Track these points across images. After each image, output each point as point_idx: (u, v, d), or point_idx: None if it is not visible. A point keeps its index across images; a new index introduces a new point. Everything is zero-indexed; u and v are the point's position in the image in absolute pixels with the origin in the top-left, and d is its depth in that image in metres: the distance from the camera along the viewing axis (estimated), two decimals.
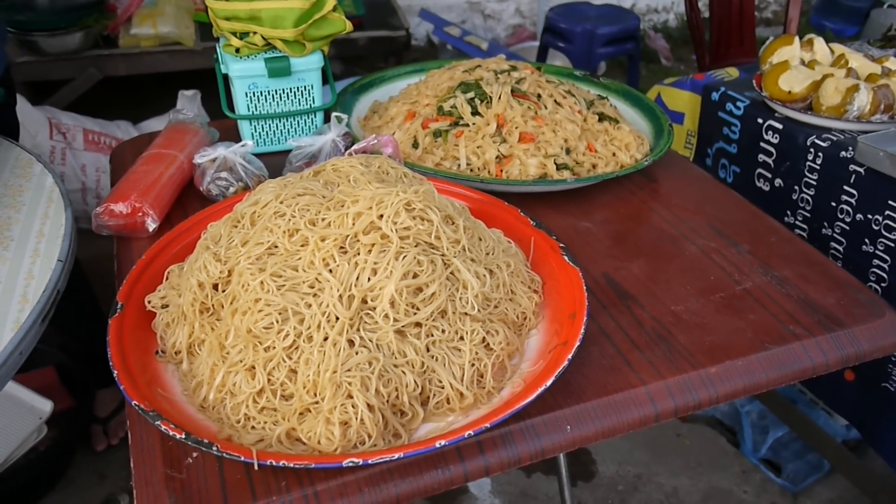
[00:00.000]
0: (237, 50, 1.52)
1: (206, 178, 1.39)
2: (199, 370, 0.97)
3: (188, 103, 3.13)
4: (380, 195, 0.98)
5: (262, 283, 0.93)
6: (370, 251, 0.95)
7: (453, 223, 1.04)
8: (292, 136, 1.58)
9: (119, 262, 1.27)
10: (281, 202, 1.01)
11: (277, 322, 0.91)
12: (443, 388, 0.94)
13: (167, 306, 1.05)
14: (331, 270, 0.94)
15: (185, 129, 1.52)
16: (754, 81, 1.92)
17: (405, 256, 0.95)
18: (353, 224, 0.96)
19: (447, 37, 3.44)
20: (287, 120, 1.56)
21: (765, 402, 2.22)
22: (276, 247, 0.97)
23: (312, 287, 0.93)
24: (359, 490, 0.88)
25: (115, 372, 0.94)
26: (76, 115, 3.03)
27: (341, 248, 0.96)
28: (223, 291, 0.99)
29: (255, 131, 1.56)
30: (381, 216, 0.97)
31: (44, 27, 3.07)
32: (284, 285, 0.93)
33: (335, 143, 1.44)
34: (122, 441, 2.23)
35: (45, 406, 1.87)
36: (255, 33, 1.51)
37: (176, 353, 1.02)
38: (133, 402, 0.90)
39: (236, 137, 1.56)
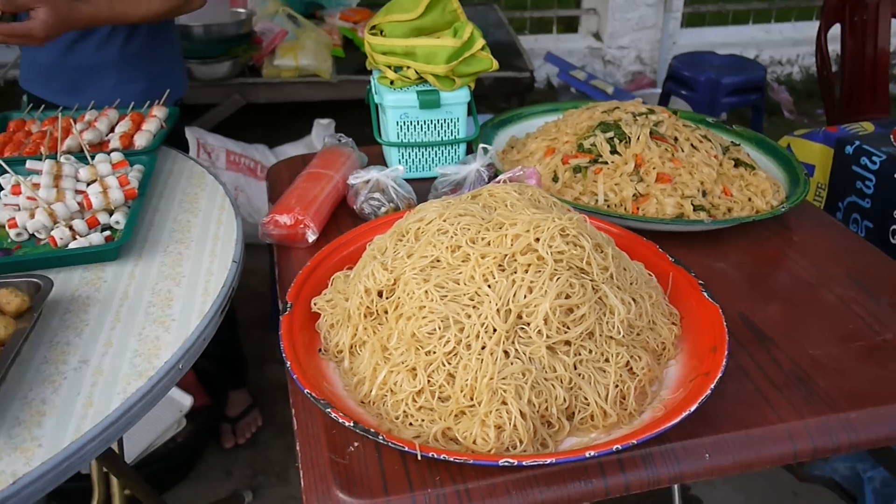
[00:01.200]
0: (391, 82, 1.63)
1: (359, 197, 1.49)
2: (361, 368, 1.06)
3: (323, 131, 3.31)
4: (537, 220, 1.05)
5: (426, 292, 1.01)
6: (527, 271, 1.02)
7: (602, 251, 1.09)
8: (436, 164, 1.67)
9: (280, 268, 1.39)
10: (444, 220, 1.09)
11: (439, 329, 0.99)
12: (588, 405, 1.00)
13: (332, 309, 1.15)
14: (490, 286, 1.01)
15: (339, 152, 1.64)
16: (892, 137, 1.90)
17: (559, 278, 1.01)
18: (512, 244, 1.04)
19: (572, 80, 3.52)
20: (433, 149, 1.66)
21: (890, 468, 2.15)
22: (439, 260, 1.05)
23: (472, 299, 1.00)
24: (507, 492, 0.94)
25: (288, 363, 1.03)
26: (220, 137, 3.25)
27: (500, 265, 1.03)
28: (387, 298, 1.07)
29: (402, 158, 1.66)
30: (538, 239, 1.04)
31: (198, 56, 3.33)
32: (447, 296, 1.01)
33: (479, 173, 1.52)
34: (247, 441, 2.36)
35: (186, 401, 2.01)
36: (408, 67, 1.62)
37: (338, 351, 1.11)
38: (305, 391, 0.99)
39: (380, 163, 1.67)
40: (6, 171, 1.40)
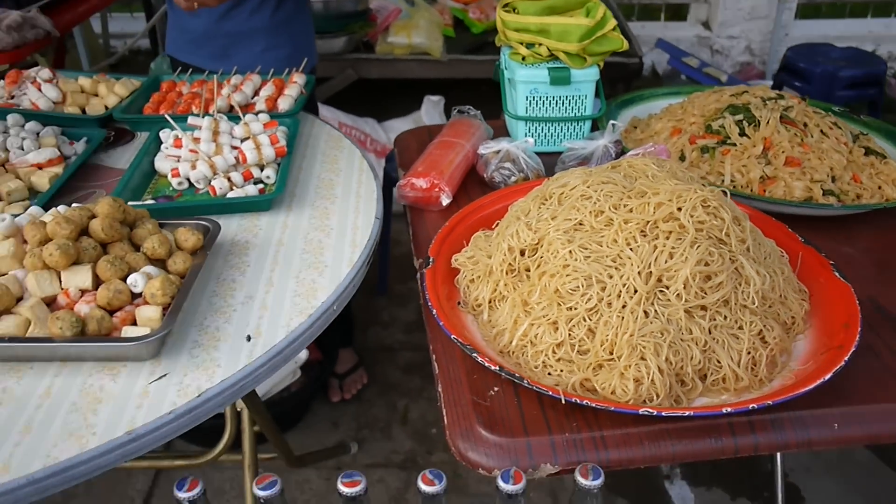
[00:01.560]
0: (523, 58, 1.68)
1: (489, 166, 1.56)
2: (500, 321, 1.12)
3: (433, 108, 3.39)
4: (679, 190, 1.09)
5: (570, 252, 1.07)
6: (668, 237, 1.06)
7: (740, 224, 1.12)
8: (561, 139, 1.72)
9: (413, 227, 1.47)
10: (587, 186, 1.14)
11: (582, 286, 1.04)
12: (721, 367, 1.04)
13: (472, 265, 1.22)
14: (632, 249, 1.06)
15: (468, 123, 1.71)
16: None
17: (699, 246, 1.05)
18: (654, 212, 1.08)
19: (684, 67, 3.50)
20: (559, 124, 1.71)
21: None
22: (582, 224, 1.10)
23: (615, 261, 1.05)
24: (640, 442, 0.99)
25: (434, 311, 1.11)
26: (333, 109, 3.37)
27: (641, 231, 1.07)
28: (529, 257, 1.13)
29: (529, 132, 1.72)
30: (680, 209, 1.08)
31: (316, 30, 3.42)
32: (590, 256, 1.06)
33: (607, 149, 1.56)
34: (353, 397, 2.47)
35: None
36: (540, 45, 1.67)
37: (477, 305, 1.18)
38: (452, 336, 1.06)
39: (502, 136, 1.72)
40: (166, 127, 1.52)
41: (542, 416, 1.02)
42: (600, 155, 1.55)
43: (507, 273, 1.15)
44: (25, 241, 1.08)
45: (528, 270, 1.13)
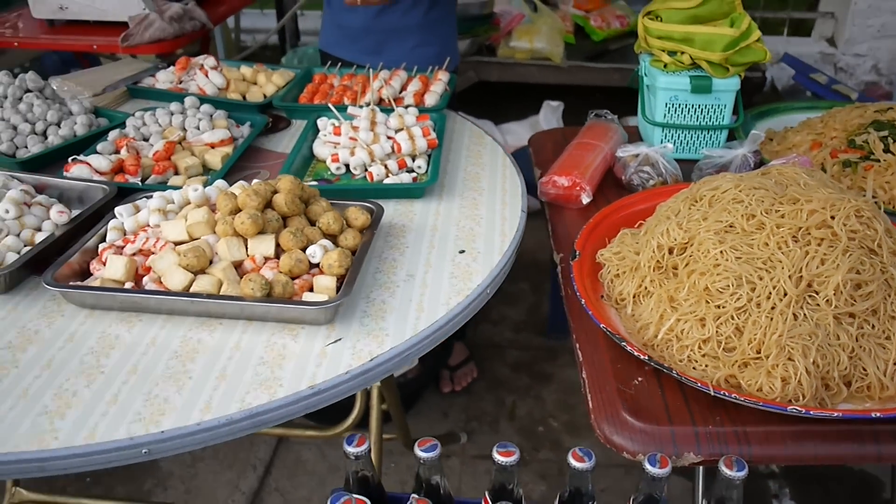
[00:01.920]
0: (665, 65, 1.72)
1: (628, 169, 1.60)
2: (645, 315, 1.17)
3: (551, 113, 3.44)
4: (833, 199, 1.12)
5: (721, 252, 1.11)
6: (819, 244, 1.09)
7: (892, 236, 1.14)
8: (697, 146, 1.75)
9: (553, 224, 1.53)
10: (739, 190, 1.18)
11: (732, 286, 1.08)
12: (866, 375, 1.06)
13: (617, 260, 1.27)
14: (783, 253, 1.09)
15: (606, 127, 1.76)
16: None
17: (851, 255, 1.08)
18: (807, 219, 1.11)
19: (811, 83, 3.43)
20: (697, 132, 1.74)
21: None
22: (733, 226, 1.14)
23: (765, 263, 1.09)
24: (783, 441, 1.02)
25: (583, 300, 1.17)
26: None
27: (793, 236, 1.10)
28: (678, 255, 1.18)
29: (665, 138, 1.75)
30: (833, 217, 1.10)
31: None
32: (741, 258, 1.10)
33: (745, 158, 1.59)
34: (463, 390, 2.55)
35: None
36: (683, 53, 1.70)
37: (621, 299, 1.23)
38: (601, 325, 1.12)
39: (636, 140, 1.76)
40: (323, 115, 1.63)
41: (686, 408, 1.07)
42: (739, 164, 1.58)
43: (654, 269, 1.19)
44: (213, 210, 1.20)
45: (675, 268, 1.18)
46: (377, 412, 1.79)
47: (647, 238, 1.23)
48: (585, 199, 1.53)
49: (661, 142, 1.76)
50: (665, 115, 1.73)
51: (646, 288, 1.20)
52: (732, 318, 1.08)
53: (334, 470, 2.33)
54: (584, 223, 1.41)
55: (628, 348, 1.08)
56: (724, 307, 1.08)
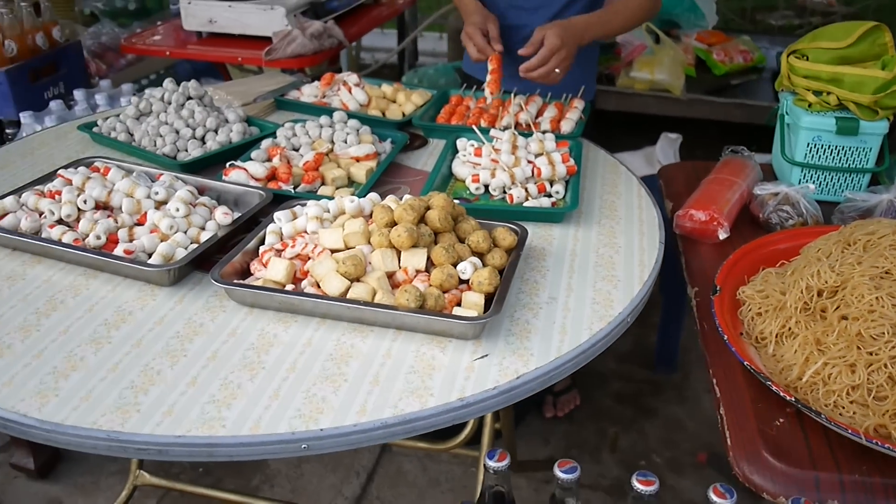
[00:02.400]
0: (809, 105, 1.70)
1: (766, 207, 1.59)
2: (788, 356, 1.16)
3: (668, 145, 3.41)
4: None
5: (877, 298, 1.09)
6: None
7: None
8: (840, 189, 1.71)
9: (687, 257, 1.53)
10: None
11: (888, 333, 1.06)
12: None
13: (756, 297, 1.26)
14: None
15: (743, 163, 1.74)
16: None
17: None
18: None
19: None
20: (838, 174, 1.71)
21: None
22: (890, 272, 1.12)
23: None
24: None
25: (725, 336, 1.17)
26: None
27: None
28: (828, 298, 1.16)
29: (804, 178, 1.73)
30: None
31: None
32: None
33: (892, 203, 1.55)
34: (565, 416, 2.55)
35: None
36: (829, 93, 1.68)
37: (762, 338, 1.22)
38: (745, 363, 1.12)
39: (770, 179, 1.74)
40: (462, 136, 1.68)
41: (830, 454, 1.05)
42: (884, 209, 1.54)
43: (800, 311, 1.18)
44: (368, 221, 1.26)
45: (824, 311, 1.17)
46: (490, 430, 1.81)
47: (794, 278, 1.22)
48: (723, 235, 1.52)
49: (800, 182, 1.73)
50: (806, 156, 1.70)
51: (790, 329, 1.19)
52: (886, 366, 1.05)
53: (434, 484, 2.36)
54: (719, 258, 1.41)
55: (773, 388, 1.07)
56: (877, 354, 1.06)
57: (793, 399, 1.05)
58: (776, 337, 1.20)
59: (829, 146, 1.68)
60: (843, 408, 1.07)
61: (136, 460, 2.10)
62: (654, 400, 2.68)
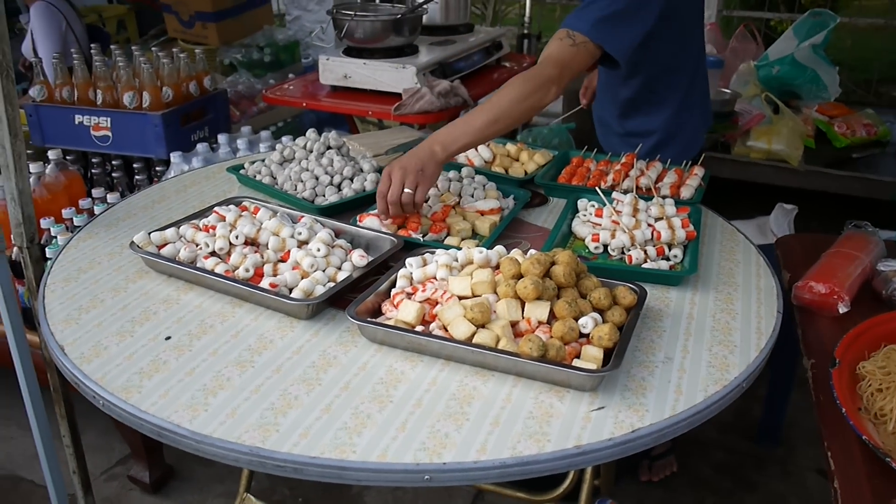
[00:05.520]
0: None
1: (890, 284, 1.58)
2: None
3: (783, 216, 3.37)
4: None
5: None
6: None
7: None
8: None
9: (803, 329, 1.53)
10: None
11: None
12: None
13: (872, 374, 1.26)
14: None
15: (866, 238, 1.74)
16: None
17: None
18: None
19: None
20: None
21: None
22: None
23: None
24: None
25: (843, 409, 1.17)
26: None
27: None
28: None
29: None
30: None
31: None
32: None
33: None
34: (660, 481, 2.52)
35: None
36: None
37: (881, 414, 1.22)
38: (863, 438, 1.12)
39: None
40: (582, 197, 1.75)
41: None
42: None
43: None
44: (495, 272, 1.33)
45: None
46: (589, 486, 1.83)
47: None
48: (843, 309, 1.52)
49: None
50: None
51: None
52: None
53: None
54: (837, 332, 1.41)
55: (893, 465, 1.07)
56: None
57: None
58: None
59: None
60: None
61: (244, 484, 2.21)
62: (755, 473, 2.62)
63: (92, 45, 2.84)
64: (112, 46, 2.86)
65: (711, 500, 2.52)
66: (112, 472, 2.55)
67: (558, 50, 1.72)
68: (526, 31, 4.49)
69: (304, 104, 2.85)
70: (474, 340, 1.22)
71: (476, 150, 2.03)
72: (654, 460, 2.56)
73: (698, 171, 1.94)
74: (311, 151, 1.92)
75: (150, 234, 1.52)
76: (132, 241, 1.51)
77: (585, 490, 1.86)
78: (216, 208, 1.62)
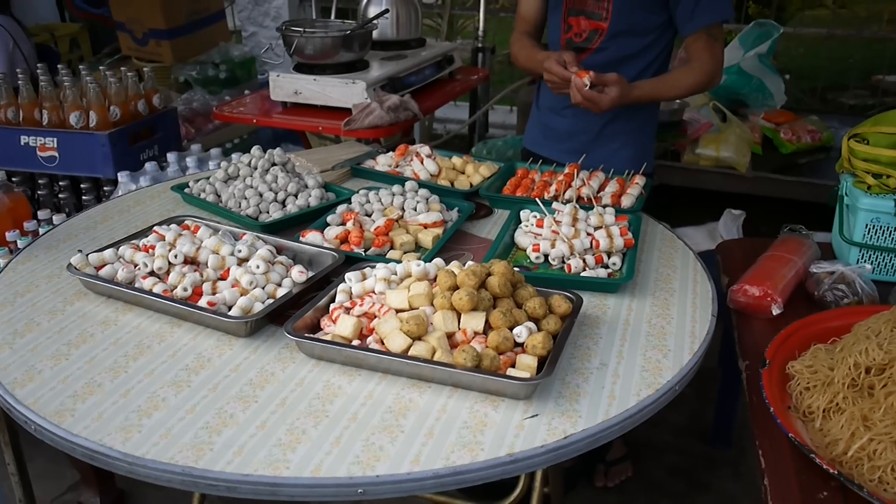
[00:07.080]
0: (868, 187, 1.73)
1: (821, 285, 1.62)
2: (834, 431, 1.19)
3: (731, 221, 3.43)
4: None
5: None
6: None
7: None
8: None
9: (739, 331, 1.57)
10: None
11: None
12: None
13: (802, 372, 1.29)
14: None
15: (800, 242, 1.78)
16: None
17: None
18: None
19: None
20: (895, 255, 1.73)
21: None
22: None
23: None
24: None
25: (772, 409, 1.20)
26: None
27: None
28: (875, 375, 1.19)
29: (862, 258, 1.75)
30: None
31: None
32: None
33: None
34: (615, 486, 2.54)
35: None
36: (889, 177, 1.71)
37: (809, 412, 1.25)
38: (790, 435, 1.15)
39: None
40: (525, 208, 1.77)
41: None
42: None
43: (848, 387, 1.21)
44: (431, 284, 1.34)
45: (871, 388, 1.19)
46: (539, 494, 1.84)
47: (843, 355, 1.25)
48: (776, 311, 1.56)
49: (858, 261, 1.76)
50: (864, 236, 1.73)
51: (837, 404, 1.21)
52: None
53: None
54: (771, 333, 1.44)
55: (817, 461, 1.10)
56: None
57: (836, 473, 1.08)
58: (823, 412, 1.23)
59: (888, 227, 1.71)
60: (889, 483, 1.09)
61: None
62: (708, 475, 2.65)
63: (39, 65, 2.81)
64: (59, 66, 2.83)
65: (664, 502, 2.55)
66: (63, 499, 2.51)
67: (721, 50, 2.01)
68: (480, 45, 4.53)
69: (255, 121, 2.84)
70: (410, 353, 1.23)
71: (422, 163, 2.04)
72: (610, 465, 2.58)
73: (640, 179, 1.97)
74: (256, 168, 1.92)
75: (87, 255, 1.51)
76: (69, 263, 1.49)
77: (535, 498, 1.87)
78: (156, 228, 1.61)
